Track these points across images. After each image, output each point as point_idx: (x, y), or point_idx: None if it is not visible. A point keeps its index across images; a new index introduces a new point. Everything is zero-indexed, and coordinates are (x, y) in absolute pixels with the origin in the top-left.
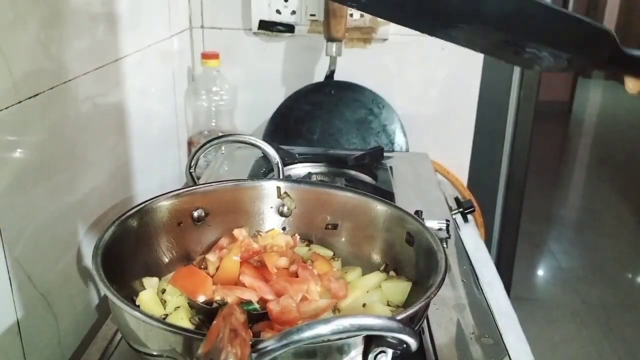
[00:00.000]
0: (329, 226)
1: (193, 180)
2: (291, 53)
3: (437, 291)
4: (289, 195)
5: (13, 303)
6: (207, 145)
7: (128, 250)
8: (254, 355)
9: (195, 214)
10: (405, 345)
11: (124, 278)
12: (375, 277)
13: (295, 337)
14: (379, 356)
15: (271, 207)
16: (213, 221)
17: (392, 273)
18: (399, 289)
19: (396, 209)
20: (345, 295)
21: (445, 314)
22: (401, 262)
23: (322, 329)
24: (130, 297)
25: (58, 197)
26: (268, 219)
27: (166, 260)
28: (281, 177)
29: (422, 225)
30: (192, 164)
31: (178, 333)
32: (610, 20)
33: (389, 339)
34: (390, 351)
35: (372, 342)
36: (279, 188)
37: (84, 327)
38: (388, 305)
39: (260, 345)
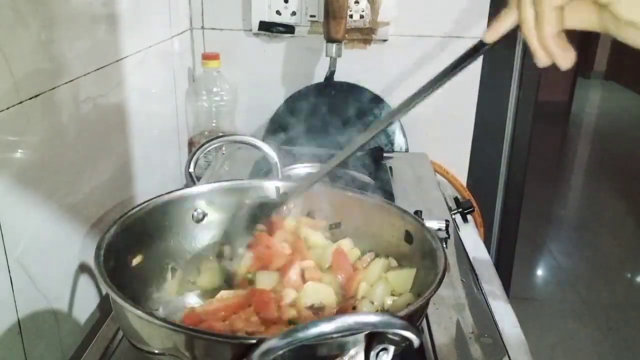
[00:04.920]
0: (333, 226)
1: (192, 180)
2: (291, 54)
3: (436, 290)
4: (287, 196)
5: (14, 303)
6: (207, 145)
7: (129, 249)
8: (258, 353)
9: (195, 214)
10: (407, 343)
11: (125, 277)
12: (379, 265)
13: (300, 335)
14: (380, 353)
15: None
16: (213, 221)
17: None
18: (404, 276)
19: (396, 209)
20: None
21: (445, 313)
22: (401, 262)
23: (326, 327)
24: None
25: (59, 197)
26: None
27: (166, 259)
28: (280, 177)
29: (421, 225)
30: (191, 164)
31: (180, 331)
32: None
33: (390, 336)
34: (392, 348)
35: (374, 339)
36: (277, 188)
37: (84, 326)
38: (392, 295)
39: (265, 344)
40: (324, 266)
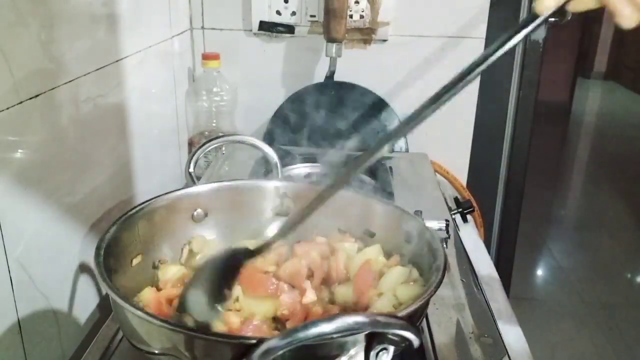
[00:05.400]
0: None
1: (192, 180)
2: (291, 54)
3: (436, 290)
4: (287, 196)
5: (14, 302)
6: (206, 145)
7: (129, 249)
8: (258, 353)
9: (195, 213)
10: (407, 343)
11: (125, 277)
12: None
13: (300, 335)
14: (380, 353)
15: (270, 207)
16: (213, 221)
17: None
18: (410, 294)
19: (396, 209)
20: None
21: (445, 313)
22: (401, 262)
23: (326, 327)
24: (132, 296)
25: (59, 197)
26: (267, 219)
27: (167, 259)
28: (279, 177)
29: (421, 225)
30: (191, 164)
31: (180, 331)
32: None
33: (390, 336)
34: (391, 348)
35: (374, 339)
36: (277, 188)
37: (84, 326)
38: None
39: (265, 344)
40: (351, 274)
